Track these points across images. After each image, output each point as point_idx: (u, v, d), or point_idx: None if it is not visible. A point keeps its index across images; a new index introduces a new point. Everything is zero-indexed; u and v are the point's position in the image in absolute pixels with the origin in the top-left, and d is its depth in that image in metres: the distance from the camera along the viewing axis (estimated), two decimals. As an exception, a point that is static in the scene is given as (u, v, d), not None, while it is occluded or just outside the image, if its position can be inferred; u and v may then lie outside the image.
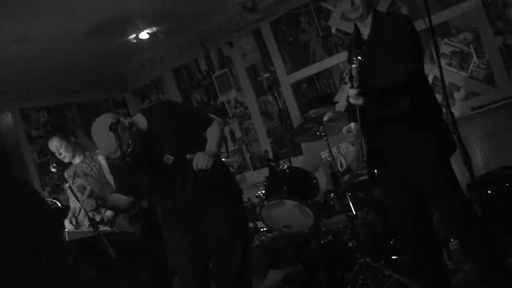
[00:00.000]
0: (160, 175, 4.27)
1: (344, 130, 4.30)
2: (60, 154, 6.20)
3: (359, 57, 3.66)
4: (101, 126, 4.07)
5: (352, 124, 4.22)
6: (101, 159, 6.21)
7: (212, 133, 4.32)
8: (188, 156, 4.07)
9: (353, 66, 3.64)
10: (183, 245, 4.44)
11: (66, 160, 6.25)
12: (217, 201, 4.35)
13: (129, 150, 4.05)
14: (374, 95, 3.77)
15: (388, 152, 4.10)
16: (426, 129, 4.02)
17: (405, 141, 4.03)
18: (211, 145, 4.24)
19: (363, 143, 4.07)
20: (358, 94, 3.68)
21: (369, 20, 4.15)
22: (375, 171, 4.20)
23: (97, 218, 5.87)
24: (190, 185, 4.27)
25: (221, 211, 4.35)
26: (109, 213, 5.99)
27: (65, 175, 6.28)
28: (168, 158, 4.22)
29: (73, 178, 6.22)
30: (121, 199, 4.34)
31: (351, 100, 3.78)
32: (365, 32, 4.18)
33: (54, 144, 6.19)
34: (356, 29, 4.25)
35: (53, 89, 8.86)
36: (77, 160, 6.25)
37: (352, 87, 3.79)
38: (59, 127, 6.49)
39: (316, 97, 7.19)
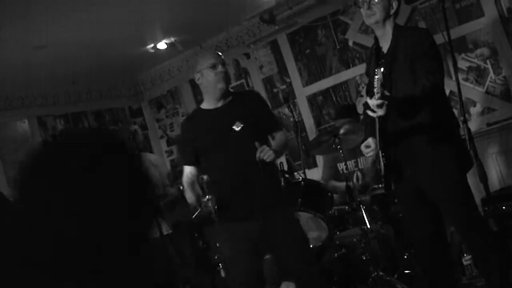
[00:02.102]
0: (225, 138, 4.50)
1: (362, 146, 4.31)
2: None
3: (381, 69, 3.66)
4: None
5: (370, 139, 4.23)
6: None
7: (278, 137, 4.65)
8: (256, 143, 4.30)
9: (376, 77, 3.65)
10: (234, 238, 4.53)
11: None
12: (278, 197, 4.59)
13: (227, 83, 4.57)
14: (394, 107, 3.77)
15: (406, 165, 4.10)
16: (445, 143, 4.03)
17: (424, 154, 4.03)
18: (275, 145, 4.54)
19: (381, 157, 4.08)
20: (379, 106, 3.68)
21: (389, 33, 4.16)
22: (391, 184, 4.21)
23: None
24: (250, 164, 4.35)
25: (281, 206, 4.56)
26: None
27: None
28: (238, 125, 4.47)
29: None
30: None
31: (370, 113, 3.79)
32: (385, 46, 4.19)
33: None
34: (376, 42, 4.26)
35: (70, 96, 8.92)
36: None
37: (371, 98, 3.78)
38: None
39: (343, 107, 7.15)
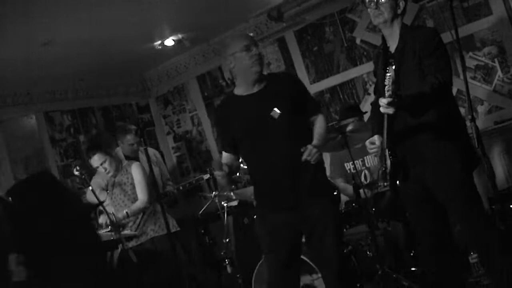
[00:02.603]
0: (263, 126, 4.30)
1: (367, 142, 4.31)
2: (106, 169, 6.30)
3: (393, 67, 3.65)
4: None
5: (376, 136, 4.23)
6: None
7: (319, 125, 4.49)
8: (302, 149, 4.15)
9: (388, 75, 3.63)
10: (275, 226, 4.40)
11: (111, 174, 6.34)
12: (319, 188, 4.41)
13: (262, 66, 4.36)
14: (405, 105, 3.76)
15: (411, 163, 4.10)
16: (451, 141, 4.02)
17: (430, 152, 4.03)
18: (319, 138, 4.39)
19: (388, 155, 4.08)
20: (390, 104, 3.67)
21: (396, 33, 4.15)
22: (397, 182, 4.20)
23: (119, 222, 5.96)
24: (290, 152, 4.24)
25: (320, 197, 4.38)
26: (120, 215, 6.09)
27: (106, 183, 6.44)
28: (276, 112, 4.27)
29: (113, 188, 6.34)
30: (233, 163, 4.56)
31: (381, 109, 3.77)
32: (393, 45, 4.18)
33: (98, 161, 6.26)
34: (384, 41, 4.26)
35: (78, 92, 8.92)
36: (118, 171, 6.35)
37: (378, 98, 3.77)
38: (99, 141, 6.55)
39: (347, 108, 7.14)
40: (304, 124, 4.44)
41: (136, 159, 6.87)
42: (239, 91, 4.48)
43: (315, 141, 4.31)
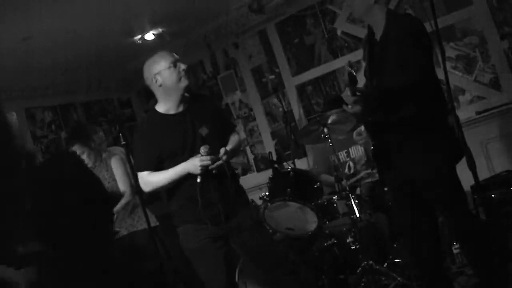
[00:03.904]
0: (193, 143, 4.33)
1: (354, 133, 4.32)
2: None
3: (348, 67, 3.65)
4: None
5: (363, 127, 4.23)
6: (113, 165, 6.22)
7: (233, 139, 4.58)
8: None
9: (343, 78, 3.65)
10: (205, 242, 4.39)
11: (89, 166, 6.24)
12: (245, 200, 4.63)
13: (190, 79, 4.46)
14: (376, 100, 3.75)
15: (393, 155, 4.09)
16: (433, 133, 4.00)
17: (409, 145, 4.02)
18: (231, 144, 4.51)
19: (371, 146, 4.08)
20: (354, 103, 3.68)
21: (381, 20, 4.11)
22: (381, 173, 4.20)
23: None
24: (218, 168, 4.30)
25: (246, 208, 4.57)
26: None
27: None
28: (204, 130, 4.34)
29: None
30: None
31: (350, 111, 3.79)
32: (378, 33, 4.15)
33: (76, 152, 6.19)
34: (370, 29, 4.24)
35: (59, 88, 8.87)
36: (96, 164, 6.26)
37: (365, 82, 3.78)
38: (79, 133, 6.40)
39: (331, 100, 7.11)
40: (226, 141, 4.50)
41: None
42: (162, 109, 4.49)
43: (228, 146, 4.43)
